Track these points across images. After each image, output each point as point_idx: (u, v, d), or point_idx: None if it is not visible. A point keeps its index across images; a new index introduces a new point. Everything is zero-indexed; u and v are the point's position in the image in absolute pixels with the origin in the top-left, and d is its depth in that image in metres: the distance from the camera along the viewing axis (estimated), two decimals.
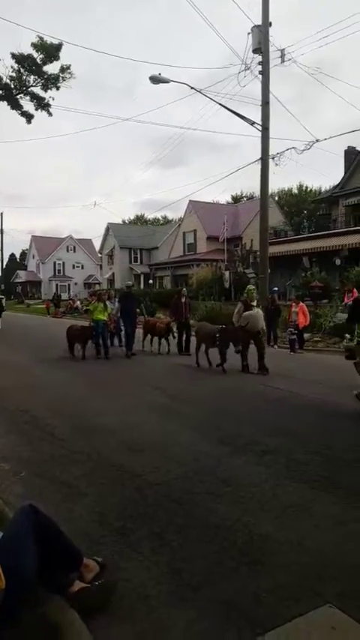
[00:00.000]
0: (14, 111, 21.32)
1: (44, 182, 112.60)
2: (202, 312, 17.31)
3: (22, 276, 62.09)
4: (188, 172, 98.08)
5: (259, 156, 16.25)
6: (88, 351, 11.48)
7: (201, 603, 2.33)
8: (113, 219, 57.94)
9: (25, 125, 21.68)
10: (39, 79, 20.74)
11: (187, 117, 74.66)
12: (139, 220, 69.51)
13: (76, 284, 59.74)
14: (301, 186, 53.55)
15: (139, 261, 48.19)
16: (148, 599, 2.36)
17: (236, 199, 56.59)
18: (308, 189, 52.82)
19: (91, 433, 5.22)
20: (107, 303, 12.37)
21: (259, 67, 15.95)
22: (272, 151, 16.38)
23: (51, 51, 20.02)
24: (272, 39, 15.83)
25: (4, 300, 24.97)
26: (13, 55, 20.17)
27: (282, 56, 16.06)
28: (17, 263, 69.80)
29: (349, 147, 30.01)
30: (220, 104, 15.98)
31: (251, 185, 61.05)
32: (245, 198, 53.81)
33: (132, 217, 71.89)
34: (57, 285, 57.54)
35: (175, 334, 12.02)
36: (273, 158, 16.48)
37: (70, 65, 20.89)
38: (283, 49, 16.10)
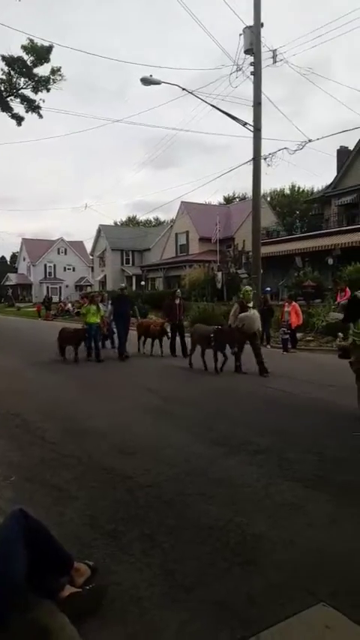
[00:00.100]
0: (4, 113, 21.27)
1: (35, 184, 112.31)
2: (195, 313, 17.30)
3: (12, 279, 61.84)
4: (180, 174, 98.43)
5: (251, 156, 16.28)
6: (79, 353, 11.40)
7: (194, 604, 2.30)
8: (105, 221, 58.04)
9: (15, 127, 21.63)
10: (29, 82, 20.68)
11: (179, 118, 74.99)
12: (131, 222, 69.45)
13: (67, 286, 59.58)
14: (293, 186, 53.80)
15: (130, 262, 48.15)
16: (140, 601, 2.33)
17: (228, 200, 56.71)
18: (300, 189, 53.05)
19: (82, 436, 5.17)
20: (100, 305, 12.27)
21: (251, 68, 15.99)
22: (264, 152, 16.43)
23: (41, 53, 19.98)
24: (264, 40, 15.88)
25: None
26: (3, 58, 20.15)
27: (274, 57, 16.12)
28: (7, 266, 69.56)
29: (341, 146, 30.19)
30: (211, 105, 16.01)
31: (243, 186, 61.19)
32: (237, 199, 53.94)
33: (123, 219, 71.89)
34: (48, 287, 57.33)
35: (169, 335, 11.97)
36: (265, 159, 16.53)
37: (60, 67, 20.90)
38: (275, 50, 16.17)
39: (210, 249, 34.07)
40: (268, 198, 46.51)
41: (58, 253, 61.78)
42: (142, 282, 40.59)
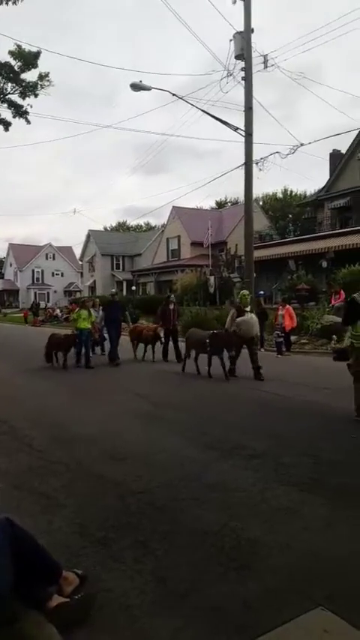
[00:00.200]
0: None
1: (23, 189, 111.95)
2: (187, 318, 17.23)
3: None
4: (171, 179, 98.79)
5: (243, 161, 16.31)
6: (68, 360, 11.22)
7: (187, 611, 2.23)
8: (94, 226, 57.81)
9: (2, 132, 21.51)
10: (17, 87, 20.60)
11: (170, 124, 75.11)
12: (121, 227, 69.46)
13: (55, 292, 59.20)
14: (285, 190, 54.15)
15: (121, 267, 48.10)
16: (130, 608, 2.26)
17: (220, 205, 56.93)
18: (293, 193, 53.40)
19: (71, 443, 5.07)
20: (91, 310, 12.12)
21: (242, 73, 16.04)
22: (256, 156, 16.47)
23: (29, 59, 19.92)
24: (255, 45, 15.94)
25: None
26: None
27: (265, 62, 16.18)
28: None
29: (334, 150, 30.47)
30: (202, 110, 16.03)
31: (235, 190, 61.46)
32: (229, 204, 54.16)
33: (113, 224, 71.88)
34: (36, 293, 56.97)
35: (163, 340, 11.85)
36: (257, 163, 16.57)
37: (48, 73, 20.81)
38: (266, 55, 16.24)
39: (202, 253, 34.12)
40: (261, 203, 46.74)
41: (46, 259, 61.45)
42: (133, 287, 40.55)
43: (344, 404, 6.16)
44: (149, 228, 64.61)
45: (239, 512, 3.29)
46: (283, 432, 5.37)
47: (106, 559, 2.69)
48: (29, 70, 20.27)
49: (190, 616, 2.19)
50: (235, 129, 16.05)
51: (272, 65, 16.31)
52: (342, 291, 16.99)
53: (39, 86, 20.71)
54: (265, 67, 16.35)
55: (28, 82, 20.57)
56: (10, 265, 62.51)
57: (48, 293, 58.78)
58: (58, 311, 35.88)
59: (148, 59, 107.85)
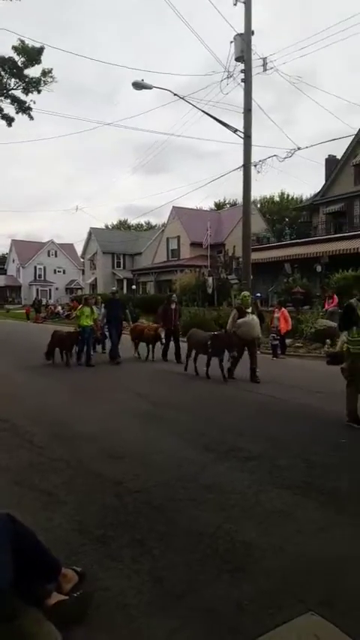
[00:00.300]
0: None
1: (25, 186, 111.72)
2: (186, 318, 17.28)
3: (1, 280, 61.28)
4: (172, 178, 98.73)
5: (242, 163, 16.38)
6: (69, 357, 11.27)
7: (183, 612, 2.28)
8: (96, 224, 57.81)
9: (5, 128, 21.53)
10: (20, 83, 20.58)
11: (170, 123, 75.22)
12: (122, 225, 69.44)
13: (57, 289, 59.32)
14: (282, 194, 54.36)
15: (121, 266, 48.08)
16: (128, 608, 2.31)
17: (219, 206, 57.03)
18: (290, 197, 53.61)
19: (71, 441, 5.13)
20: (94, 308, 12.11)
21: (242, 75, 16.11)
22: (254, 159, 16.55)
23: (32, 54, 19.90)
24: (255, 47, 16.00)
25: None
26: None
27: (264, 64, 16.25)
28: None
29: (329, 155, 30.64)
30: (202, 111, 16.07)
31: (234, 192, 61.67)
32: (228, 205, 54.28)
33: (115, 222, 71.86)
34: (38, 290, 56.98)
35: (164, 340, 11.81)
36: (255, 165, 16.64)
37: (51, 69, 20.80)
38: (266, 58, 16.31)
39: (201, 254, 34.16)
40: (258, 205, 46.87)
41: (49, 255, 61.50)
42: (133, 286, 40.57)
43: (337, 408, 6.23)
44: (150, 227, 64.63)
45: (234, 514, 3.35)
46: (278, 435, 5.44)
47: (104, 557, 2.74)
48: (32, 65, 20.26)
49: (186, 617, 2.24)
50: (235, 130, 16.11)
51: (271, 68, 16.40)
52: (335, 296, 17.11)
53: (42, 82, 20.71)
54: (265, 69, 16.43)
55: (32, 78, 20.56)
56: (13, 261, 62.45)
57: (50, 290, 58.81)
58: (59, 308, 35.89)
59: (149, 59, 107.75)
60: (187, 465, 4.35)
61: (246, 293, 10.20)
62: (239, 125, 16.14)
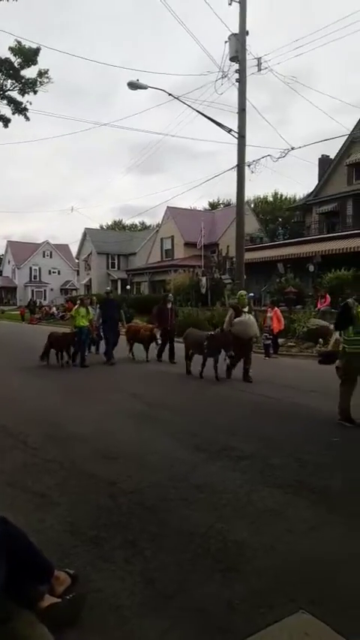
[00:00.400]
0: None
1: (21, 186, 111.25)
2: (180, 318, 17.29)
3: None
4: (166, 178, 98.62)
5: (236, 163, 16.43)
6: (64, 359, 11.24)
7: (174, 612, 2.30)
8: (90, 224, 57.66)
9: (1, 129, 21.43)
10: (16, 83, 20.51)
11: (165, 123, 75.07)
12: (117, 226, 69.29)
13: (52, 290, 59.25)
14: (276, 194, 54.45)
15: (116, 266, 48.01)
16: (120, 609, 2.32)
17: (213, 206, 57.06)
18: (283, 197, 53.71)
19: (65, 441, 5.13)
20: (89, 308, 12.07)
21: (236, 75, 16.17)
22: (248, 159, 16.61)
23: (29, 55, 19.85)
24: (249, 47, 16.11)
25: None
26: None
27: (258, 64, 16.33)
28: None
29: (322, 155, 30.76)
30: (197, 111, 16.12)
31: (228, 192, 61.72)
32: (222, 205, 54.30)
33: (109, 223, 71.71)
34: (33, 290, 56.89)
35: (159, 341, 11.71)
36: (249, 165, 16.71)
37: (48, 70, 20.75)
38: (260, 58, 16.40)
39: (195, 254, 34.17)
40: (252, 205, 46.94)
41: (44, 256, 61.38)
42: (128, 287, 40.50)
43: (330, 407, 6.27)
44: (144, 227, 64.52)
45: (226, 513, 3.37)
46: (270, 434, 5.46)
47: (97, 559, 2.75)
48: (29, 66, 20.21)
49: (177, 617, 2.26)
50: (229, 130, 16.17)
51: (266, 68, 16.48)
52: (327, 296, 17.22)
53: (38, 83, 20.66)
54: (259, 69, 16.51)
55: (28, 79, 20.50)
56: (8, 262, 62.24)
57: (45, 291, 58.76)
58: (54, 309, 35.76)
59: (144, 59, 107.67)
60: (179, 465, 4.37)
61: (243, 292, 10.10)
62: (233, 125, 16.22)
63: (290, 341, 14.75)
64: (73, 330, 11.39)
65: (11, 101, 20.73)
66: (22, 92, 20.65)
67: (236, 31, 16.13)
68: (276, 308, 13.94)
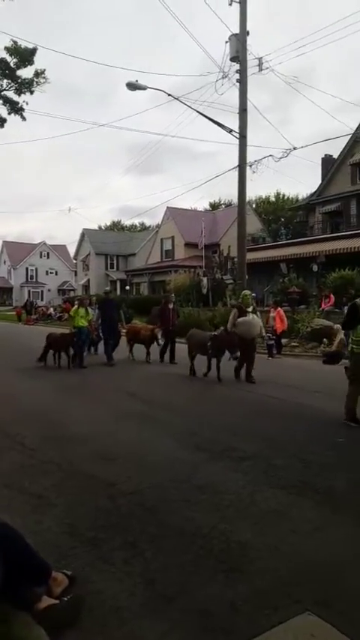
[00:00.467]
0: None
1: (18, 187, 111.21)
2: (180, 318, 17.25)
3: None
4: (166, 179, 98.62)
5: (237, 163, 16.37)
6: (62, 360, 11.14)
7: (175, 614, 2.24)
8: (89, 225, 57.64)
9: None
10: (12, 83, 20.48)
11: (165, 124, 75.10)
12: (116, 226, 69.32)
13: (49, 290, 59.16)
14: (278, 194, 54.40)
15: (115, 267, 47.98)
16: (120, 611, 2.26)
17: (214, 206, 57.05)
18: (285, 196, 53.67)
19: (62, 442, 5.06)
20: (88, 309, 11.96)
21: (237, 75, 16.12)
22: (250, 159, 16.55)
23: (25, 55, 19.80)
24: (250, 47, 16.03)
25: None
26: None
27: (259, 64, 16.27)
28: None
29: (326, 155, 30.73)
30: (197, 111, 16.07)
31: (229, 192, 61.69)
32: (223, 205, 54.29)
33: (108, 223, 71.71)
34: (29, 291, 56.70)
35: (161, 341, 11.61)
36: (250, 166, 16.65)
37: (44, 70, 20.68)
38: (261, 58, 16.33)
39: (195, 254, 34.13)
40: (254, 205, 46.92)
41: (41, 257, 61.30)
42: (127, 287, 40.46)
43: (334, 407, 6.21)
44: (144, 228, 64.53)
45: (229, 514, 3.31)
46: (273, 435, 5.40)
47: (96, 560, 2.69)
48: (25, 66, 20.16)
49: (178, 619, 2.20)
50: (230, 131, 16.11)
51: (267, 68, 16.42)
52: (332, 295, 17.15)
53: (35, 83, 20.60)
54: (260, 69, 16.45)
55: (24, 79, 20.46)
56: (4, 263, 62.13)
57: (42, 291, 58.65)
58: (51, 310, 35.65)
59: (143, 59, 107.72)
60: (180, 466, 4.31)
61: (247, 292, 9.96)
62: (234, 125, 16.16)
63: (294, 341, 14.69)
64: (72, 331, 11.31)
65: (7, 101, 20.69)
66: (19, 92, 20.61)
67: (237, 31, 16.09)
68: (279, 308, 13.89)
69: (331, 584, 2.49)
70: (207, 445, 4.93)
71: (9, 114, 20.93)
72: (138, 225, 68.94)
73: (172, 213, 39.18)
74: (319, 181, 30.84)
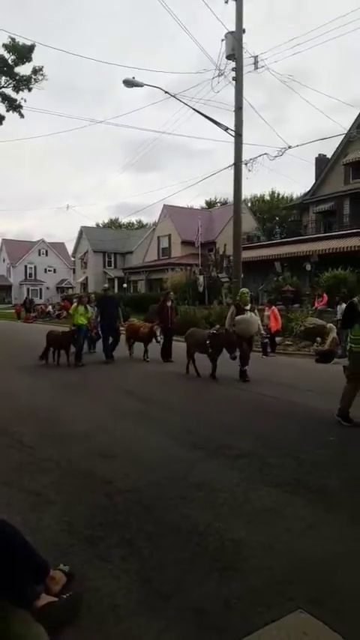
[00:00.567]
0: None
1: (15, 184, 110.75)
2: (178, 316, 17.28)
3: None
4: (163, 177, 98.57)
5: (233, 161, 16.38)
6: (62, 357, 11.16)
7: (171, 612, 2.28)
8: (87, 222, 57.55)
9: None
10: (10, 80, 20.42)
11: (162, 122, 75.14)
12: (113, 224, 69.20)
13: (48, 288, 59.14)
14: (273, 193, 54.47)
15: (113, 265, 47.94)
16: (117, 608, 2.30)
17: (210, 204, 57.04)
18: (280, 195, 53.74)
19: (61, 440, 5.10)
20: (88, 307, 11.95)
21: (233, 73, 16.09)
22: (245, 157, 16.54)
23: (23, 52, 19.75)
24: (246, 46, 15.99)
25: None
26: None
27: (255, 63, 16.23)
28: None
29: (319, 154, 30.81)
30: (194, 109, 16.04)
31: (225, 190, 61.80)
32: (219, 204, 54.31)
33: (106, 221, 71.57)
34: (28, 289, 56.75)
35: (160, 339, 11.54)
36: (246, 164, 16.62)
37: (42, 67, 20.65)
38: (257, 56, 16.29)
39: (192, 252, 34.16)
40: (249, 204, 46.95)
41: (39, 254, 61.23)
42: (125, 285, 40.44)
43: (327, 405, 6.27)
44: (141, 225, 64.47)
45: (223, 512, 3.36)
46: (268, 433, 5.45)
47: (94, 558, 2.74)
48: (23, 63, 20.11)
49: (174, 617, 2.24)
50: (226, 129, 16.10)
51: (262, 67, 16.39)
52: (325, 295, 17.25)
53: (33, 80, 20.56)
54: (256, 68, 16.40)
55: (22, 76, 20.40)
56: (3, 261, 61.98)
57: (40, 289, 58.64)
58: (50, 307, 35.61)
59: (140, 57, 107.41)
60: (177, 464, 4.35)
61: (244, 290, 9.91)
62: (230, 123, 16.14)
63: (287, 340, 14.76)
64: (72, 329, 11.31)
65: (5, 98, 20.63)
66: (17, 89, 20.56)
67: (233, 29, 16.06)
68: (273, 307, 13.95)
69: (324, 582, 2.54)
70: (203, 443, 4.98)
71: (7, 111, 20.87)
72: (135, 222, 68.93)
73: (169, 211, 39.19)
74: (313, 181, 30.91)
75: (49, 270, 60.94)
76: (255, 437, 5.25)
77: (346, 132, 24.46)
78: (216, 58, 18.01)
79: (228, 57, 16.18)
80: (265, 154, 16.54)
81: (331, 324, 13.14)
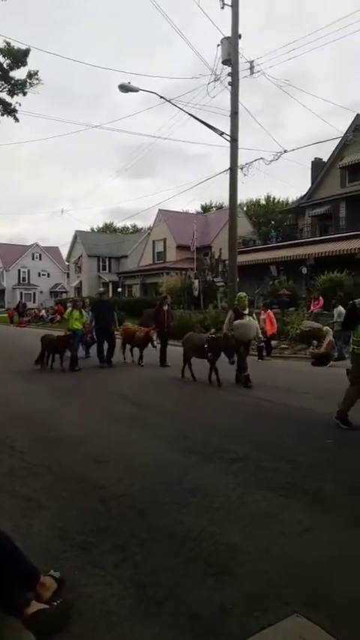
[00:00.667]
0: None
1: (9, 188, 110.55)
2: (174, 321, 17.26)
3: None
4: (158, 181, 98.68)
5: (228, 166, 16.41)
6: (56, 362, 11.09)
7: (165, 618, 2.24)
8: (81, 227, 57.51)
9: None
10: (5, 85, 20.37)
11: (157, 126, 75.19)
12: (108, 228, 69.19)
13: (41, 292, 58.99)
14: (268, 197, 54.68)
15: (107, 269, 47.88)
16: (110, 615, 2.26)
17: (205, 209, 57.15)
18: (276, 200, 53.95)
19: (53, 445, 5.04)
20: (83, 311, 11.86)
21: (229, 78, 16.15)
22: (241, 161, 16.57)
23: (18, 56, 19.71)
24: (242, 51, 16.09)
25: None
26: None
27: (251, 68, 16.29)
28: None
29: (316, 158, 30.96)
30: (189, 114, 16.05)
31: (220, 195, 61.75)
32: (214, 208, 54.42)
33: (100, 225, 71.54)
34: (22, 293, 56.58)
35: (157, 344, 11.49)
36: (242, 168, 16.66)
37: (37, 71, 20.58)
38: (252, 61, 16.37)
39: (187, 256, 34.18)
40: (245, 208, 47.10)
41: (33, 259, 61.10)
42: (119, 289, 40.38)
43: (324, 408, 6.25)
44: (136, 230, 64.47)
45: (219, 516, 3.31)
46: (264, 437, 5.42)
47: (86, 564, 2.69)
48: (18, 67, 20.05)
49: (168, 623, 2.20)
50: (221, 133, 16.13)
51: (258, 71, 16.47)
52: (321, 298, 17.29)
53: (28, 84, 20.52)
54: (252, 73, 16.45)
55: (17, 80, 20.36)
56: None
57: (34, 293, 58.48)
58: (43, 312, 35.50)
59: (136, 61, 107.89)
60: (171, 468, 4.31)
61: (242, 294, 9.85)
62: (226, 128, 16.17)
63: (283, 343, 14.76)
64: (68, 333, 11.22)
65: (0, 102, 20.59)
66: (12, 93, 20.52)
67: (229, 34, 16.15)
68: (269, 310, 13.95)
69: (320, 586, 2.50)
70: (198, 447, 4.93)
71: (2, 115, 20.82)
72: (130, 227, 68.93)
73: (164, 215, 39.20)
74: (309, 184, 31.06)
75: (42, 275, 60.82)
76: (251, 440, 5.21)
77: (342, 135, 24.62)
78: (212, 63, 18.08)
79: (224, 62, 16.25)
80: (261, 158, 16.60)
81: (327, 327, 13.14)
